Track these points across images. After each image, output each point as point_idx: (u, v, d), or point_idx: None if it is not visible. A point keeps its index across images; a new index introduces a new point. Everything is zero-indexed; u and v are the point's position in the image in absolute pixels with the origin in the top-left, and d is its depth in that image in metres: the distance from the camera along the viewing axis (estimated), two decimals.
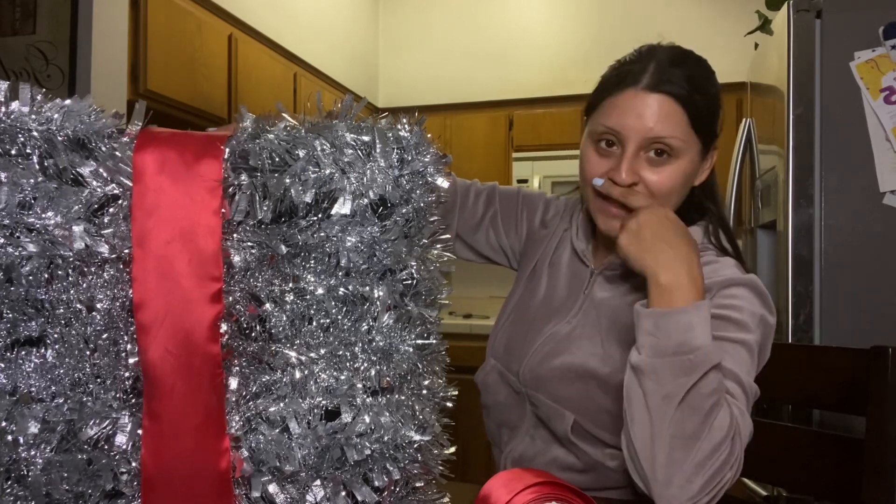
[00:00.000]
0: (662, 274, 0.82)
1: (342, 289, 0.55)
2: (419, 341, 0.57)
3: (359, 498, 0.54)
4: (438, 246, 0.59)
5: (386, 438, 0.54)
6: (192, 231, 0.50)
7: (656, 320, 0.80)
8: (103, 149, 0.51)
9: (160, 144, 0.51)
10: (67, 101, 0.52)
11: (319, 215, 0.55)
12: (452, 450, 0.61)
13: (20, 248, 0.50)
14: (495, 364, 1.09)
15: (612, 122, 0.93)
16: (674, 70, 0.92)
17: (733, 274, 0.92)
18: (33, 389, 0.51)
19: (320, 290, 0.55)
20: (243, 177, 0.53)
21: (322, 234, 0.55)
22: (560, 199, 1.21)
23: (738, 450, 0.79)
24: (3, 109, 0.51)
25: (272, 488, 0.53)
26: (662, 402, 0.77)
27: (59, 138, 0.51)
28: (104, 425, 0.51)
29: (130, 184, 0.51)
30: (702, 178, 1.00)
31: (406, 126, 0.57)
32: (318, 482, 0.54)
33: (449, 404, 0.60)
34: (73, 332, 0.51)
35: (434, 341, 0.58)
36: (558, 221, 1.17)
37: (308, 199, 0.54)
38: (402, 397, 0.56)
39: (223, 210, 0.52)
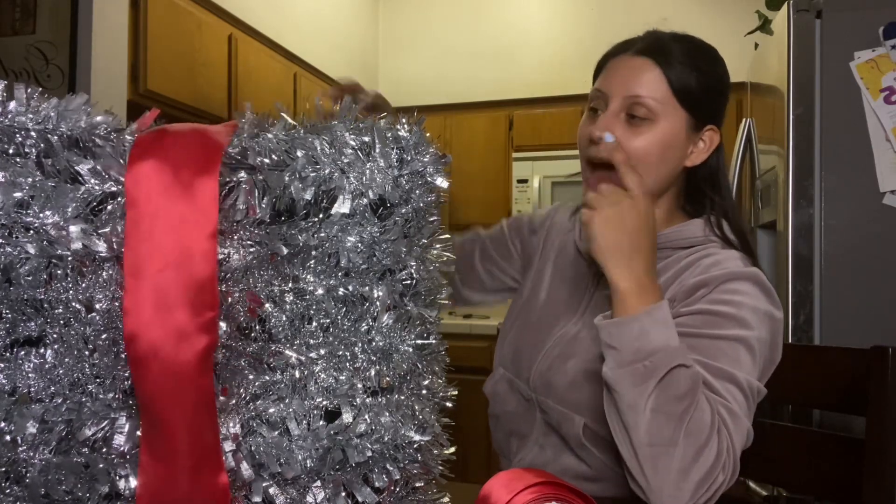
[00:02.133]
0: (621, 280, 0.81)
1: (342, 289, 0.55)
2: (419, 341, 0.57)
3: (359, 499, 0.54)
4: (438, 246, 0.59)
5: (386, 439, 0.54)
6: (186, 258, 0.48)
7: (610, 331, 0.80)
8: (101, 144, 0.51)
9: (155, 163, 0.49)
10: (63, 100, 0.52)
11: (319, 215, 0.55)
12: (452, 450, 0.61)
13: (18, 248, 0.50)
14: (504, 373, 1.08)
15: (600, 84, 0.97)
16: (670, 43, 0.95)
17: (735, 267, 0.90)
18: (32, 390, 0.51)
19: (320, 291, 0.55)
20: (242, 174, 0.53)
21: (322, 234, 0.55)
22: (546, 207, 1.24)
23: (725, 450, 0.78)
24: (0, 109, 0.51)
25: (273, 490, 0.53)
26: (630, 411, 0.77)
27: (56, 137, 0.51)
28: (103, 425, 0.51)
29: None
30: (696, 161, 0.98)
31: (405, 126, 0.57)
32: (318, 483, 0.54)
33: (449, 404, 0.60)
34: (72, 332, 0.51)
35: (434, 341, 0.58)
36: (549, 221, 1.18)
37: (308, 196, 0.54)
38: (402, 397, 0.56)
39: (223, 207, 0.51)
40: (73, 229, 0.50)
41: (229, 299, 0.52)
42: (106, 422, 0.51)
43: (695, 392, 0.77)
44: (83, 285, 0.51)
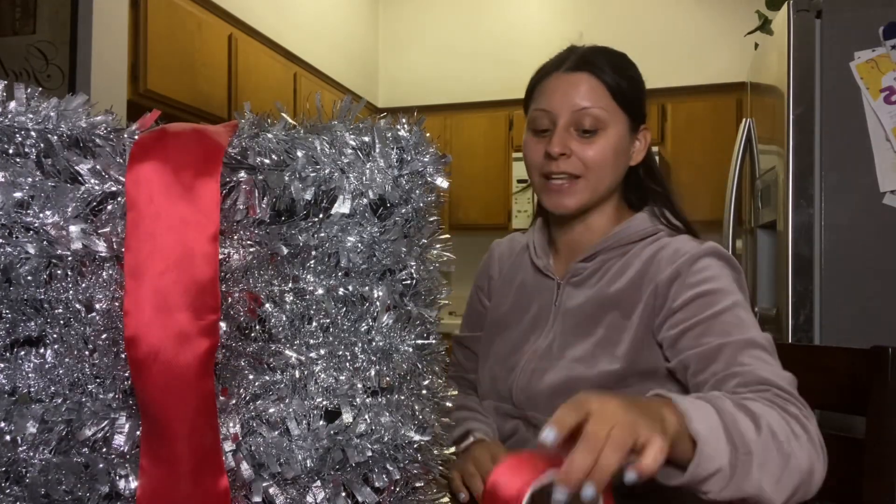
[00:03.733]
0: (658, 435, 0.68)
1: (342, 289, 0.55)
2: (419, 341, 0.57)
3: (359, 499, 0.54)
4: (438, 246, 0.59)
5: (386, 439, 0.54)
6: (187, 260, 0.48)
7: (692, 481, 0.71)
8: (101, 144, 0.51)
9: (155, 164, 0.49)
10: (63, 100, 0.52)
11: (319, 215, 0.55)
12: (452, 450, 0.61)
13: (18, 248, 0.50)
14: (489, 403, 1.09)
15: (542, 104, 1.01)
16: (593, 55, 1.01)
17: (693, 248, 0.94)
18: (32, 390, 0.51)
19: (320, 291, 0.55)
20: (242, 174, 0.53)
21: (322, 234, 0.55)
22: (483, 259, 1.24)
23: (817, 450, 0.81)
24: (0, 109, 0.51)
25: (273, 490, 0.53)
26: (762, 493, 0.75)
27: (56, 137, 0.51)
28: (103, 426, 0.51)
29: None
30: (638, 159, 1.05)
31: (405, 126, 0.57)
32: (318, 483, 0.54)
33: (449, 404, 0.60)
34: (73, 332, 0.51)
35: (434, 341, 0.58)
36: (494, 262, 1.18)
37: (308, 196, 0.54)
38: (402, 397, 0.56)
39: (223, 207, 0.51)
40: (73, 229, 0.50)
41: (229, 299, 0.52)
42: (106, 422, 0.51)
43: (787, 441, 0.77)
44: (83, 285, 0.51)
